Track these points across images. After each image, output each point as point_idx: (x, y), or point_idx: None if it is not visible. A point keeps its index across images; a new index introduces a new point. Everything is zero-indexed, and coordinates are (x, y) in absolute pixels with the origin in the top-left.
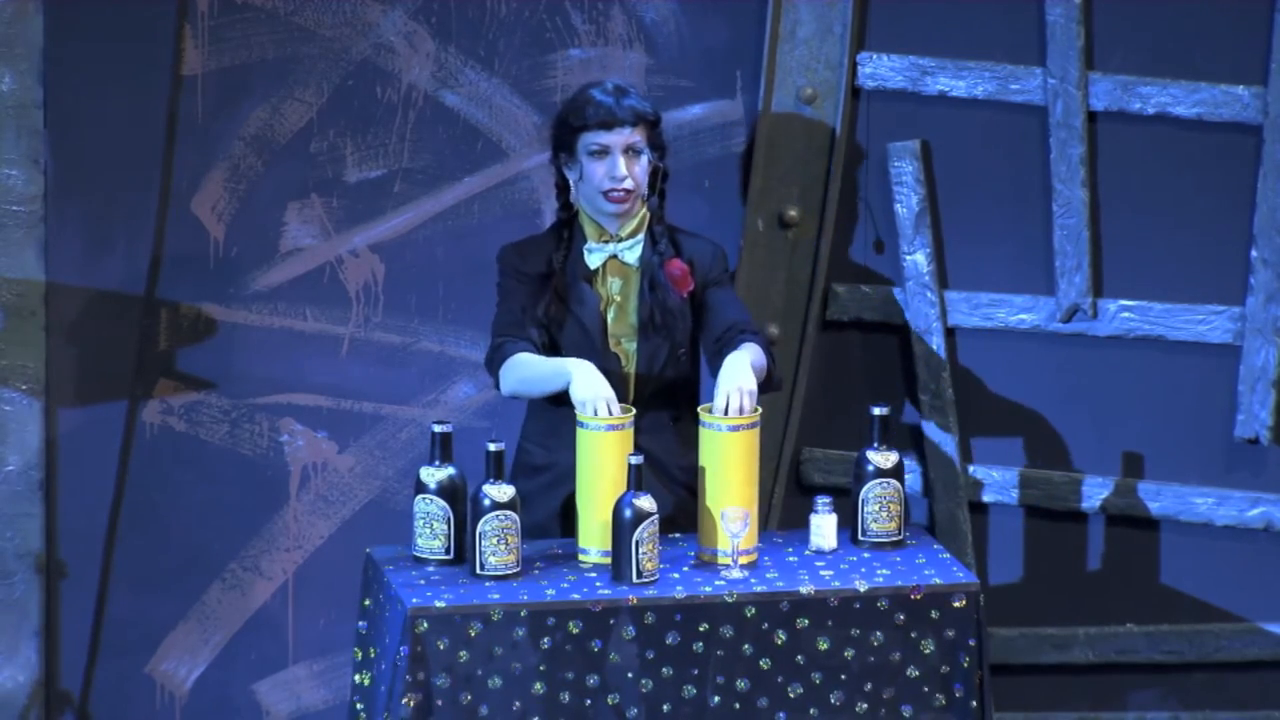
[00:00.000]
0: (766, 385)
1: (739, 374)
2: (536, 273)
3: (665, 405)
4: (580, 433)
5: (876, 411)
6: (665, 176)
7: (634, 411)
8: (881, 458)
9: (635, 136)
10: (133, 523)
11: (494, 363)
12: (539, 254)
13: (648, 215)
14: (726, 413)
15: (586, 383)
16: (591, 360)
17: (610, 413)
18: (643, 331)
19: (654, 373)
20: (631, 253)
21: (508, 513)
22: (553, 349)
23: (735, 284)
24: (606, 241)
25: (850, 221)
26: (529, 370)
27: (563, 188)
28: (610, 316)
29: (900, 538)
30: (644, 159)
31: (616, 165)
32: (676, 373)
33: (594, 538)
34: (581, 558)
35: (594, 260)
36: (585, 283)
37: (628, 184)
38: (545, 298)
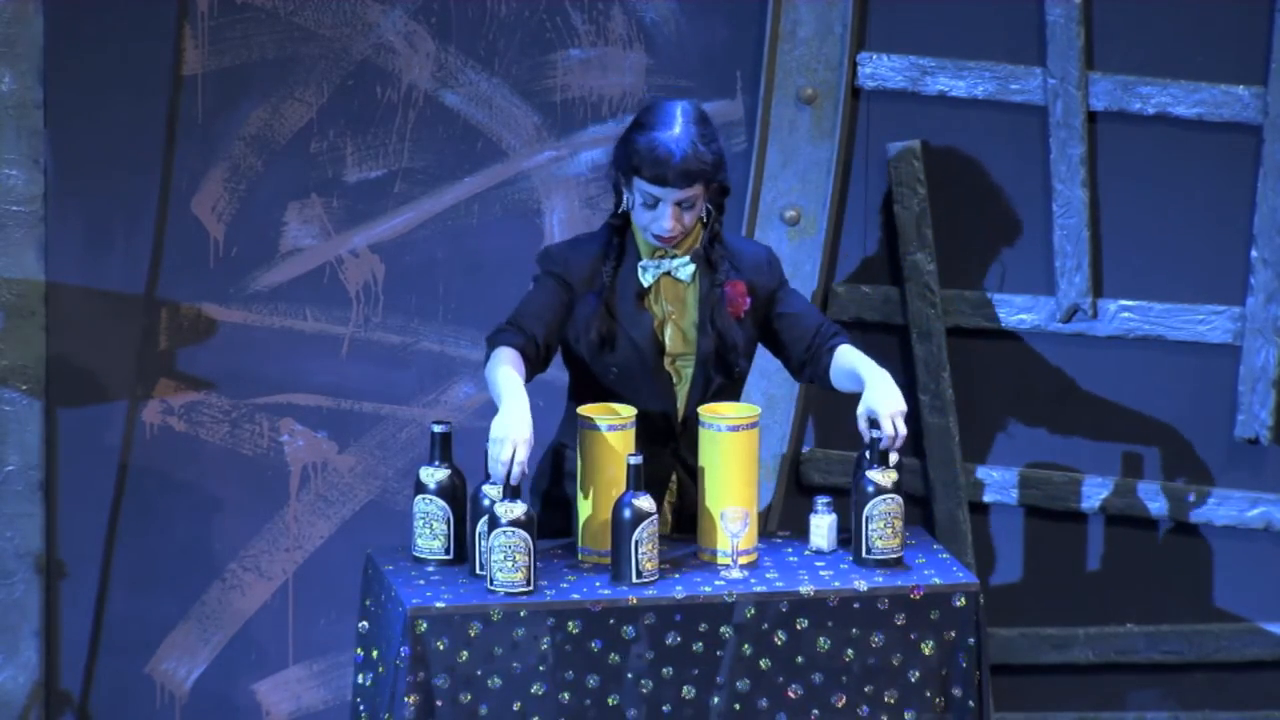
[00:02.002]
0: None
1: (892, 398)
2: (577, 282)
3: None
4: (581, 432)
5: (875, 434)
6: (726, 192)
7: (635, 411)
8: (882, 476)
9: (690, 193)
10: (133, 523)
11: (489, 346)
12: (583, 261)
13: (700, 230)
14: (895, 442)
15: (505, 422)
16: (642, 379)
17: (515, 458)
18: (701, 363)
19: (707, 396)
20: (685, 269)
21: (515, 530)
22: (601, 370)
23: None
24: (660, 258)
25: (850, 221)
26: (490, 374)
27: (619, 191)
28: (667, 336)
29: (902, 554)
30: (698, 206)
31: (664, 218)
32: (727, 393)
33: (594, 538)
34: (582, 557)
35: (648, 278)
36: (636, 299)
37: (673, 234)
38: (597, 318)
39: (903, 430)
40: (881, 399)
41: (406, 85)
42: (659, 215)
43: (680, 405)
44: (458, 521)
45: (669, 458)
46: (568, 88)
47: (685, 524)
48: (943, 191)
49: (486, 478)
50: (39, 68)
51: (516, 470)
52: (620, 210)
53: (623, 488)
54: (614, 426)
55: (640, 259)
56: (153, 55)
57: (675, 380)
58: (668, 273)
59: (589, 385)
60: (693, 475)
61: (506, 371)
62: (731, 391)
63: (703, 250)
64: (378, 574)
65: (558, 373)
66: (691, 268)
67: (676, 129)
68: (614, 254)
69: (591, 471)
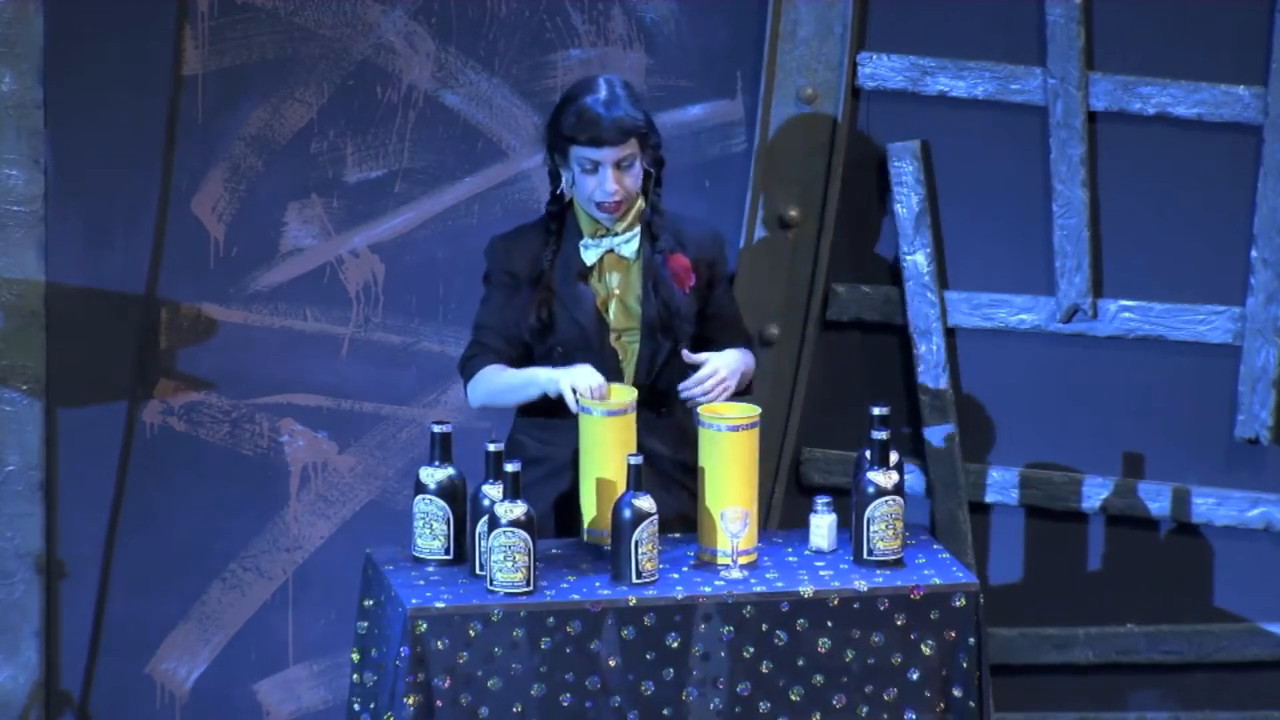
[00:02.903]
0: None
1: (730, 360)
2: (523, 273)
3: (661, 401)
4: (583, 419)
5: (877, 436)
6: (661, 164)
7: (635, 392)
8: (883, 477)
9: (626, 150)
10: (133, 523)
11: (464, 375)
12: (527, 251)
13: (643, 206)
14: (700, 392)
15: (562, 374)
16: (588, 357)
17: (600, 389)
18: (648, 332)
19: (654, 369)
20: (629, 246)
21: (515, 530)
22: (545, 351)
23: (735, 279)
24: (602, 236)
25: (850, 221)
26: (495, 383)
27: (556, 177)
28: (611, 311)
29: (903, 555)
30: (636, 166)
31: (606, 180)
32: (674, 369)
33: (603, 520)
34: (589, 538)
35: (590, 256)
36: (580, 279)
37: (617, 196)
38: (535, 301)
39: (711, 384)
40: (720, 356)
41: (406, 85)
42: (601, 180)
43: (628, 382)
44: (458, 522)
45: None
46: (568, 87)
47: None
48: (943, 191)
49: (487, 478)
50: (39, 68)
51: (599, 383)
52: (557, 193)
53: (624, 474)
54: (613, 412)
55: (582, 238)
56: (153, 55)
57: (621, 356)
58: (611, 250)
59: (541, 365)
60: (645, 455)
61: (502, 369)
62: (679, 367)
63: (645, 223)
64: (378, 574)
65: None
66: (635, 244)
67: (601, 93)
68: (554, 238)
69: (596, 458)
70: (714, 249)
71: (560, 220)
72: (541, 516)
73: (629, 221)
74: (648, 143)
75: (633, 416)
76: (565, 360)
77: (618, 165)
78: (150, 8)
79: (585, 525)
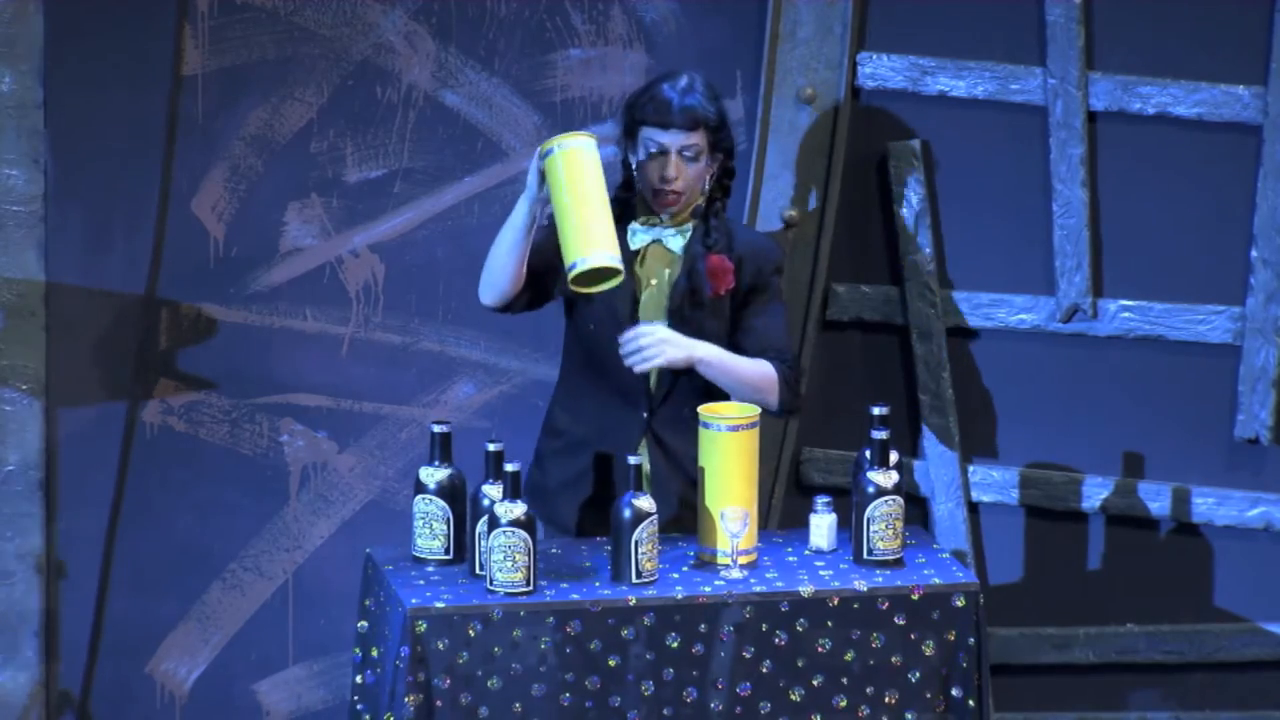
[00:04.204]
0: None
1: (670, 334)
2: None
3: (687, 399)
4: (546, 165)
5: (877, 436)
6: (731, 174)
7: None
8: (883, 477)
9: (692, 140)
10: (133, 523)
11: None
12: None
13: (701, 205)
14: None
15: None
16: (616, 338)
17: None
18: (671, 321)
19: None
20: (676, 240)
21: (515, 530)
22: (576, 327)
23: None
24: (653, 225)
25: (850, 221)
26: (492, 250)
27: (628, 166)
28: (644, 299)
29: (902, 555)
30: (701, 161)
31: (667, 166)
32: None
33: (587, 249)
34: (572, 275)
35: (636, 241)
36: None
37: (677, 185)
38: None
39: (633, 341)
40: (661, 328)
41: (406, 85)
42: (663, 164)
43: (653, 375)
44: (457, 521)
45: (639, 423)
46: (568, 88)
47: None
48: (943, 191)
49: (487, 477)
50: (39, 68)
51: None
52: (629, 180)
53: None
54: (565, 145)
55: (632, 223)
56: (153, 55)
57: None
58: (658, 240)
59: (576, 339)
60: (665, 450)
61: None
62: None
63: (700, 222)
64: (378, 574)
65: (550, 370)
66: (683, 240)
67: (680, 82)
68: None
69: (562, 198)
70: (765, 258)
71: (624, 207)
72: (556, 490)
73: (681, 219)
74: (717, 141)
75: (587, 152)
76: (596, 337)
77: (681, 153)
78: (150, 7)
79: (568, 261)
